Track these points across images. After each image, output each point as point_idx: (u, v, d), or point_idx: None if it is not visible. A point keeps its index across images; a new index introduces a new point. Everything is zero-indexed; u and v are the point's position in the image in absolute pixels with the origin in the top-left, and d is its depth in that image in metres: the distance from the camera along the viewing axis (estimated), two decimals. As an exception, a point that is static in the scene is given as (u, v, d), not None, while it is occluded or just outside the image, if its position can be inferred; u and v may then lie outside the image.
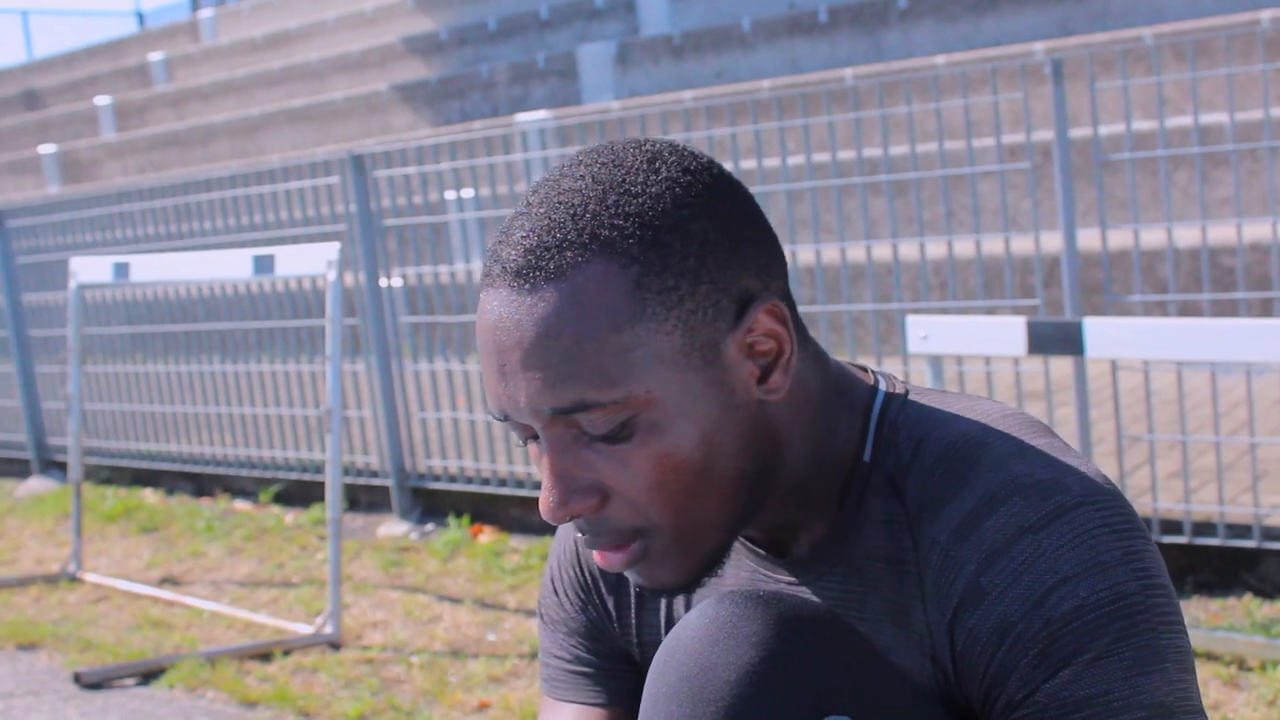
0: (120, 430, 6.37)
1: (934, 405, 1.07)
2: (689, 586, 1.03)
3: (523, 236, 0.95)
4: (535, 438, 1.00)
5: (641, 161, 0.98)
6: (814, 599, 1.02)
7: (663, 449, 0.96)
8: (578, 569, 1.24)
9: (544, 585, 1.28)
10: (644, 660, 1.20)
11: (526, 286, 0.94)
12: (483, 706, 3.15)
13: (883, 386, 1.09)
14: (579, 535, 1.02)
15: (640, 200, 0.95)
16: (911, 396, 1.08)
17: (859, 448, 1.06)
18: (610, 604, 1.22)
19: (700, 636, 0.93)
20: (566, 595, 1.25)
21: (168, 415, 6.09)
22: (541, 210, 0.96)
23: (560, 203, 0.96)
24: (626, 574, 1.03)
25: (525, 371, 0.94)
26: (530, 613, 3.87)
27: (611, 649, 1.23)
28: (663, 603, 1.19)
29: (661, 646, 0.97)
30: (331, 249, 4.04)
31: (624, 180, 0.96)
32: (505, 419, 0.98)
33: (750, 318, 0.98)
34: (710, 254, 0.96)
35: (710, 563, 1.02)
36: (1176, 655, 0.92)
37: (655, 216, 0.95)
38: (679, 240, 0.95)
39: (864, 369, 1.12)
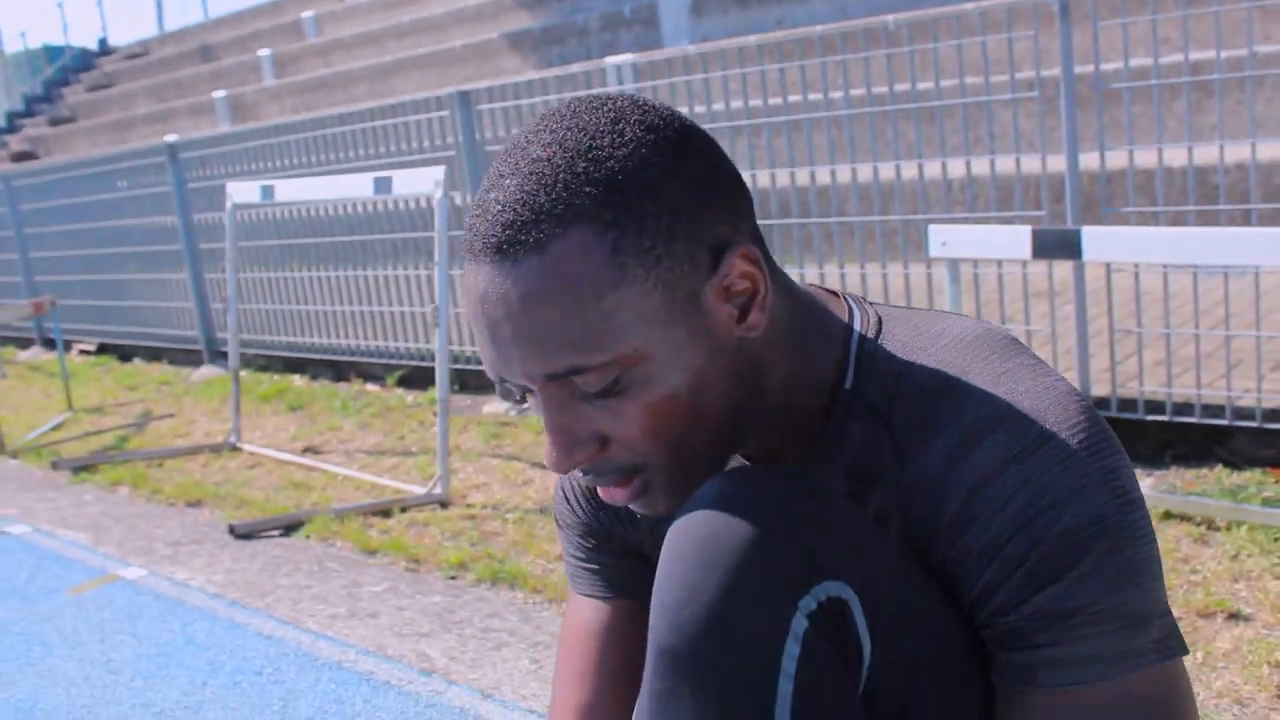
0: (273, 326, 6.42)
1: (910, 330, 0.98)
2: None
3: (499, 211, 0.86)
4: (532, 392, 0.93)
5: (606, 124, 0.88)
6: (816, 480, 0.94)
7: (654, 398, 0.89)
8: None
9: (557, 494, 1.22)
10: (657, 553, 1.16)
11: (508, 262, 0.85)
12: (561, 556, 3.15)
13: (856, 313, 1.00)
14: (581, 476, 0.95)
15: (609, 165, 0.86)
16: (886, 323, 0.99)
17: (839, 376, 0.98)
18: (622, 509, 1.17)
19: (709, 505, 0.88)
20: (579, 502, 1.20)
21: (313, 313, 6.13)
22: (514, 182, 0.86)
23: (531, 173, 0.86)
24: (630, 506, 0.98)
25: (516, 342, 0.87)
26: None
27: (623, 548, 1.19)
28: None
29: (675, 517, 0.92)
30: (438, 171, 3.99)
31: (591, 146, 0.86)
32: (502, 382, 0.92)
33: (726, 264, 0.89)
34: (682, 211, 0.87)
35: None
36: (1150, 567, 0.86)
37: (626, 180, 0.85)
38: (651, 202, 0.86)
39: (834, 294, 1.03)
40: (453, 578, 3.08)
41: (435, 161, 4.99)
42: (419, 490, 3.94)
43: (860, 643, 0.85)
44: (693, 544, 0.85)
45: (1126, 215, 3.49)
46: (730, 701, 0.82)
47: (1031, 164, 3.78)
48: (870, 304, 1.02)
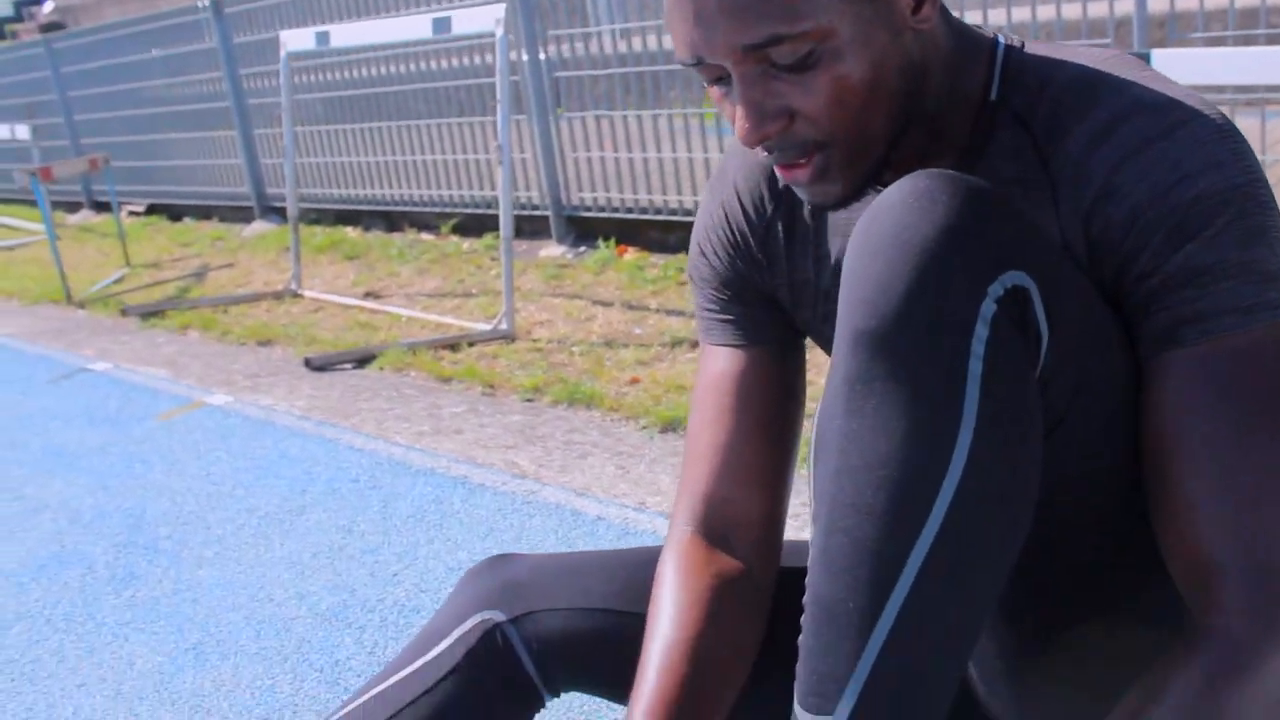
0: (326, 179, 6.46)
1: (1049, 48, 1.04)
2: (853, 197, 1.03)
3: None
4: (720, 79, 0.99)
5: None
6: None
7: (841, 72, 0.94)
8: (727, 229, 1.23)
9: (692, 253, 1.28)
10: (793, 300, 1.21)
11: None
12: (633, 381, 3.22)
13: (1001, 37, 1.06)
14: (765, 156, 1.01)
15: None
16: (1028, 44, 1.05)
17: (986, 88, 1.04)
18: (760, 254, 1.22)
19: (899, 203, 0.93)
20: (715, 254, 1.24)
21: (366, 165, 6.15)
22: None
23: None
24: (799, 193, 1.04)
25: (721, 14, 0.92)
26: (670, 312, 3.92)
27: (757, 297, 1.23)
28: (811, 246, 1.19)
29: (862, 217, 0.97)
30: (498, 9, 3.98)
31: None
32: (698, 63, 0.97)
33: None
34: None
35: (870, 175, 1.02)
36: (1276, 234, 0.93)
37: None
38: None
39: (978, 27, 1.09)
40: (529, 400, 3.17)
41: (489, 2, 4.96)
42: (484, 326, 4.01)
43: (1039, 329, 0.91)
44: (886, 239, 0.90)
45: (1193, 41, 3.46)
46: (925, 379, 0.87)
47: (1099, 7, 3.73)
48: (1012, 34, 1.07)
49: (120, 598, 2.20)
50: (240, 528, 2.45)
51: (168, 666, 1.92)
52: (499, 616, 1.32)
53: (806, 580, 0.93)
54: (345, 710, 1.32)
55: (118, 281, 6.00)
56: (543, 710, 1.51)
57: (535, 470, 2.57)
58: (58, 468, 3.02)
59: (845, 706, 0.88)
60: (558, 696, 1.35)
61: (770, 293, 1.23)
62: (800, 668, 0.92)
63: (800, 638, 0.93)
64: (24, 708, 1.85)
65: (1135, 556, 1.01)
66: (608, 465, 2.56)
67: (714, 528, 1.20)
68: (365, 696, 1.32)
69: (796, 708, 0.92)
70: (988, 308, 0.88)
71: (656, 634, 1.14)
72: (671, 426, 2.77)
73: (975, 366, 0.88)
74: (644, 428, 2.80)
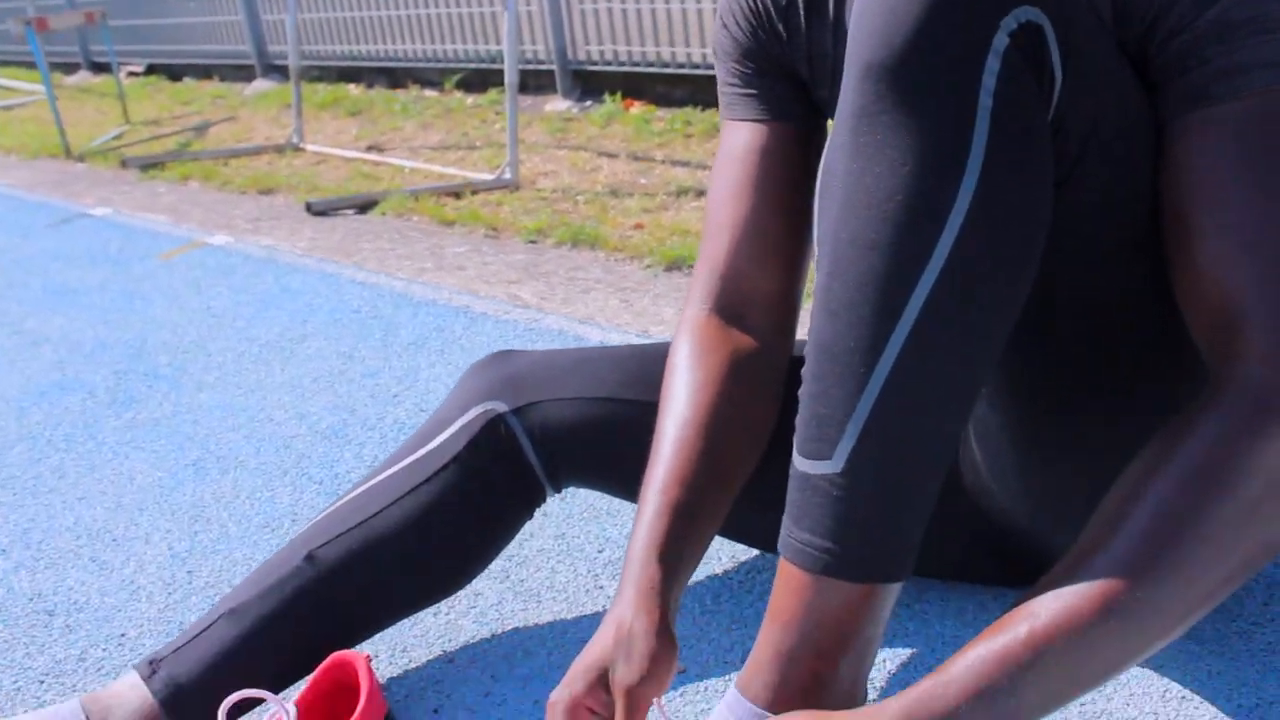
0: (328, 35, 6.33)
1: None
2: None
3: None
4: None
5: None
6: None
7: None
8: (749, 1, 1.19)
9: (715, 26, 1.24)
10: (812, 75, 1.17)
11: None
12: (638, 227, 3.18)
13: None
14: None
15: None
16: None
17: None
18: (780, 28, 1.18)
19: None
20: (737, 25, 1.20)
21: (368, 19, 6.03)
22: None
23: None
24: None
25: None
26: (676, 163, 3.85)
27: (778, 71, 1.19)
28: (830, 21, 1.14)
29: None
30: None
31: None
32: None
33: None
34: None
35: None
36: None
37: None
38: None
39: None
40: (533, 241, 3.12)
41: None
42: (488, 176, 3.95)
43: (1053, 69, 0.86)
44: None
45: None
46: (933, 111, 0.83)
47: None
48: None
49: (120, 419, 2.19)
50: (240, 355, 2.43)
51: (167, 481, 1.91)
52: (501, 407, 1.30)
53: (808, 331, 0.90)
54: (346, 498, 1.31)
55: (117, 138, 5.92)
56: (544, 505, 1.50)
57: (538, 302, 2.54)
58: (58, 304, 2.99)
59: (844, 448, 0.85)
60: (560, 492, 1.33)
61: (791, 67, 1.19)
62: (799, 418, 0.89)
63: (800, 389, 0.90)
64: (26, 519, 1.85)
65: (1148, 330, 0.98)
66: (611, 299, 2.53)
67: (730, 305, 1.17)
68: (366, 485, 1.30)
69: (795, 456, 0.89)
70: (1000, 40, 0.83)
71: (670, 411, 1.12)
72: (676, 265, 2.74)
73: (985, 100, 0.83)
74: (648, 266, 2.77)
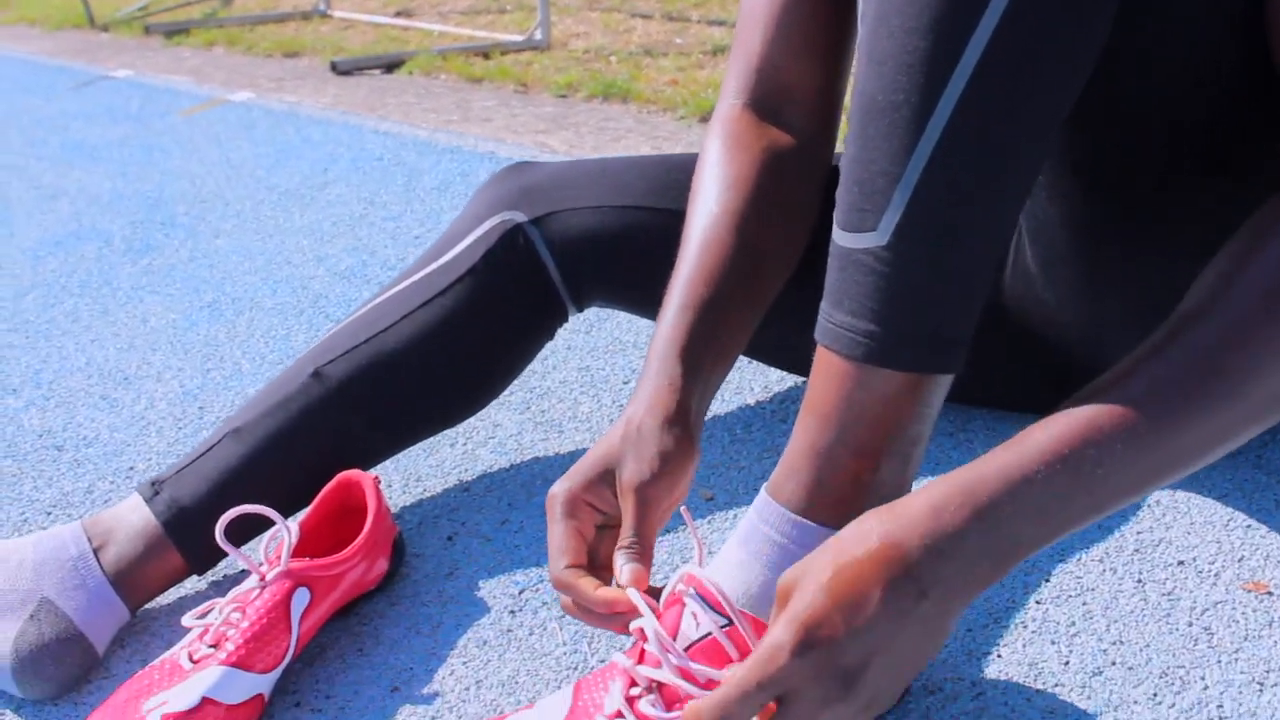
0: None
1: None
2: None
3: None
4: None
5: None
6: None
7: None
8: None
9: None
10: None
11: None
12: (672, 82, 3.06)
13: None
14: None
15: None
16: None
17: None
18: None
19: None
20: None
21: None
22: None
23: None
24: None
25: None
26: (712, 23, 3.72)
27: None
28: None
29: None
30: None
31: None
32: None
33: None
34: None
35: None
36: None
37: None
38: None
39: None
40: (563, 96, 3.01)
41: None
42: (518, 38, 3.82)
43: None
44: None
45: None
46: None
47: None
48: None
49: (136, 266, 2.12)
50: (260, 203, 2.35)
51: (182, 322, 1.84)
52: (520, 217, 1.21)
53: (852, 93, 0.80)
54: (356, 314, 1.23)
55: (143, 9, 5.80)
56: (567, 331, 1.42)
57: (566, 149, 2.44)
58: (77, 160, 2.92)
59: (890, 218, 0.75)
60: (582, 310, 1.25)
61: None
62: (840, 189, 0.80)
63: (841, 160, 0.81)
64: (38, 360, 1.79)
65: (1233, 116, 0.87)
66: (642, 147, 2.43)
67: (766, 99, 1.07)
68: (377, 300, 1.23)
69: (835, 231, 0.80)
70: None
71: (699, 208, 1.02)
72: (710, 116, 2.62)
73: None
74: (681, 118, 2.66)
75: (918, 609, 0.69)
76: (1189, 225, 0.92)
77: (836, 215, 0.80)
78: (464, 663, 1.02)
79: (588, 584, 0.85)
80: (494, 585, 1.11)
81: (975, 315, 0.77)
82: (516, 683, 0.99)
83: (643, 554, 0.85)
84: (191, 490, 1.15)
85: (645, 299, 1.21)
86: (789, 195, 1.04)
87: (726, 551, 0.83)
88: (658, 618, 0.82)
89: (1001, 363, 1.20)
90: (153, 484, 1.16)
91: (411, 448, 1.30)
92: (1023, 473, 0.69)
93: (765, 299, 1.02)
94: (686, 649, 0.80)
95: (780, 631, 0.70)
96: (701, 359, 0.93)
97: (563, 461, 1.29)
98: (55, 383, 1.70)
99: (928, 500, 0.71)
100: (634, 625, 0.83)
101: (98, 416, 1.58)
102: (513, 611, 1.08)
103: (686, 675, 0.81)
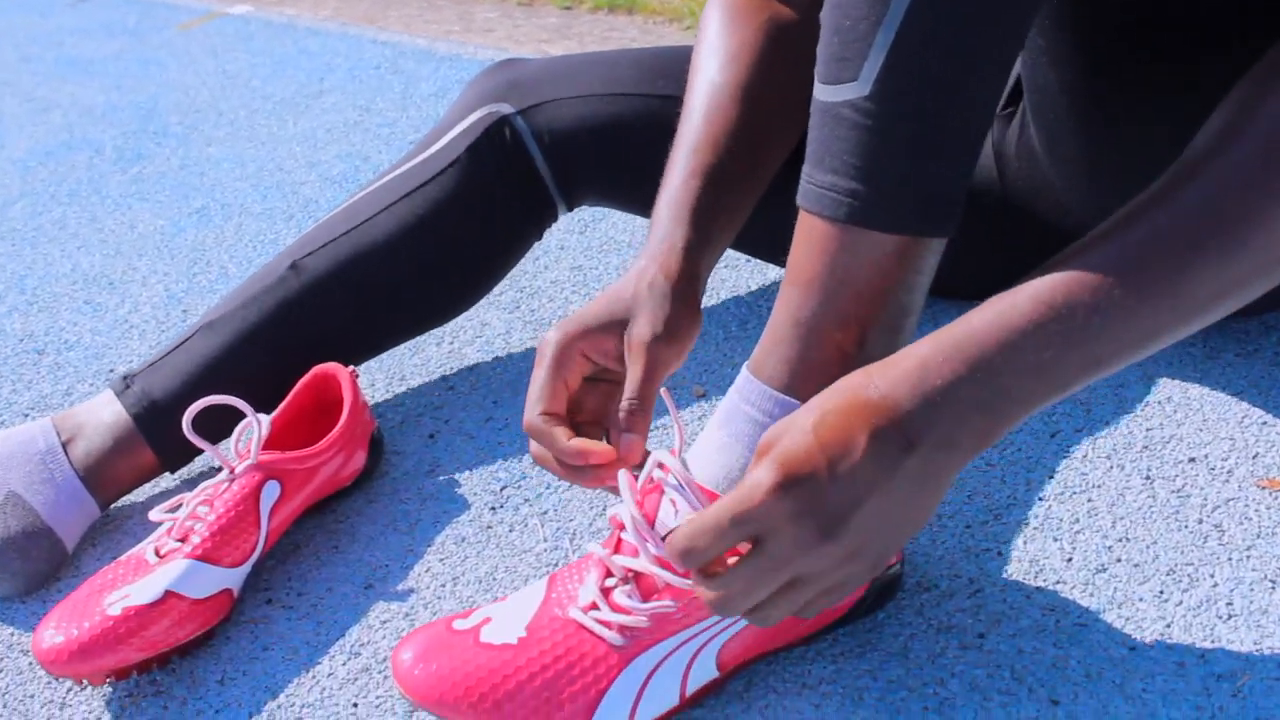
0: None
1: None
2: None
3: None
4: None
5: None
6: None
7: None
8: None
9: None
10: None
11: None
12: None
13: None
14: None
15: None
16: None
17: None
18: None
19: None
20: None
21: None
22: None
23: None
24: None
25: None
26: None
27: None
28: None
29: None
30: None
31: None
32: None
33: None
34: None
35: None
36: None
37: None
38: None
39: None
40: (567, 8, 2.94)
41: None
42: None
43: None
44: None
45: None
46: None
47: None
48: None
49: (126, 175, 2.07)
50: (254, 112, 2.29)
51: (169, 228, 1.80)
52: (507, 109, 1.16)
53: None
54: (340, 207, 1.19)
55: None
56: (557, 228, 1.37)
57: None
58: (70, 73, 2.86)
59: (873, 64, 0.69)
60: (572, 209, 1.20)
61: None
62: (820, 42, 0.74)
63: (822, 12, 0.75)
64: (23, 266, 1.75)
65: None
66: (647, 55, 2.36)
67: None
68: (362, 192, 1.18)
69: (816, 85, 0.74)
70: None
71: (700, 80, 0.96)
72: (718, 25, 2.55)
73: None
74: (688, 28, 2.58)
75: (905, 460, 0.65)
76: (1190, 90, 0.87)
77: (817, 69, 0.74)
78: (441, 560, 0.98)
79: (561, 433, 0.80)
80: (475, 483, 1.08)
81: (969, 173, 0.72)
82: (494, 579, 0.96)
83: (643, 416, 0.81)
84: (163, 384, 1.11)
85: (639, 194, 1.16)
86: (790, 69, 0.99)
87: (707, 435, 0.79)
88: (638, 505, 0.78)
89: (1012, 255, 1.15)
90: (124, 378, 1.12)
91: (396, 348, 1.25)
92: (1014, 322, 0.65)
93: (768, 172, 0.97)
94: (665, 537, 0.76)
95: (761, 470, 0.66)
96: (708, 227, 0.88)
97: (551, 360, 1.24)
98: (39, 288, 1.66)
99: (916, 354, 0.67)
100: (610, 513, 0.79)
101: (80, 320, 1.54)
102: (494, 509, 1.04)
103: (665, 564, 0.77)
